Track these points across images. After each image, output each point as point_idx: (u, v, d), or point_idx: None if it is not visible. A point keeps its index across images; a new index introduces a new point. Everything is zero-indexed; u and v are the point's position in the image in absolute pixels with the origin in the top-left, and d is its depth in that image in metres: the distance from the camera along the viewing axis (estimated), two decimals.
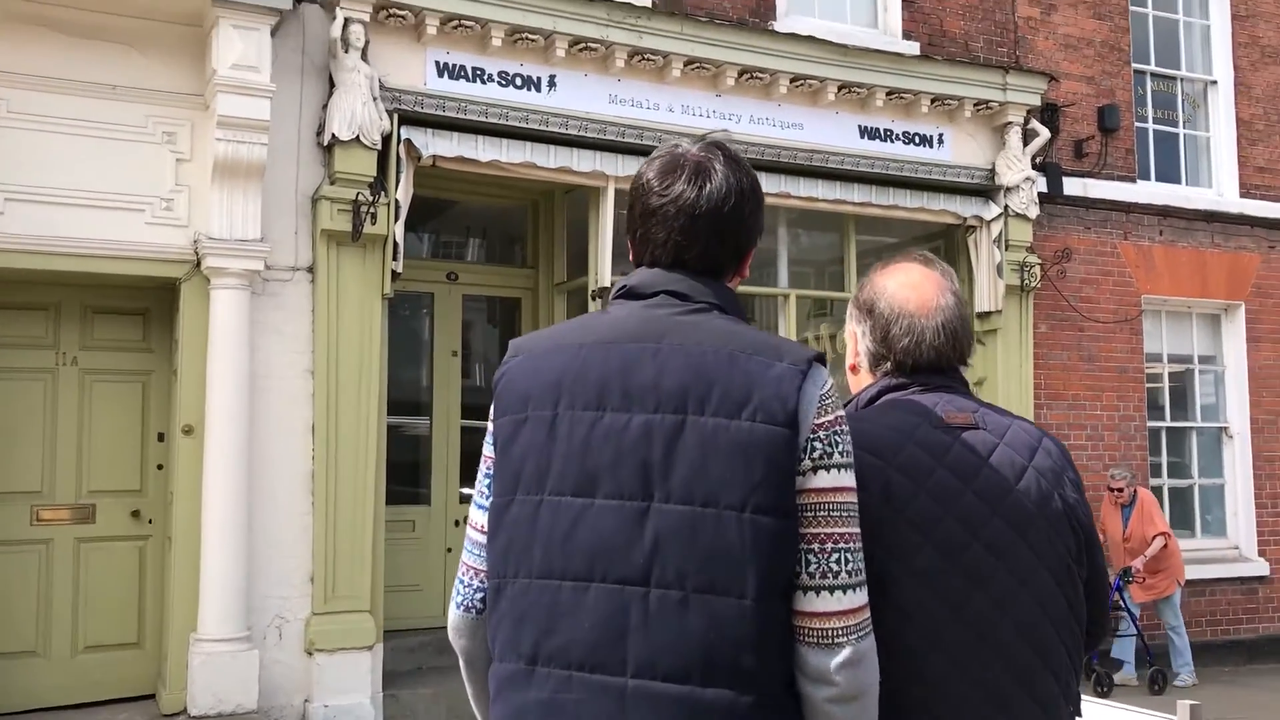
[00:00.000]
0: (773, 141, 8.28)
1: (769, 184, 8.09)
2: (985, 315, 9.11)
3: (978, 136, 9.21)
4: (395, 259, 7.02)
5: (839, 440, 1.62)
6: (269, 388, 6.73)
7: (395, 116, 7.06)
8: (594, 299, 7.83)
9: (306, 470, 6.81)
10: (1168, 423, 10.47)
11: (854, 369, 2.03)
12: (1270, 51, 10.99)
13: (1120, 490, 9.13)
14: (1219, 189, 10.70)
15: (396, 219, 6.99)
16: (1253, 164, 10.78)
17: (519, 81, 7.54)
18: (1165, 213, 10.21)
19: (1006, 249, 9.09)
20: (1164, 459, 10.40)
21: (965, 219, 9.07)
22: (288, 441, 6.75)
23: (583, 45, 7.57)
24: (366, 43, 6.99)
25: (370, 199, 6.85)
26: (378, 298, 7.02)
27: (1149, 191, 10.18)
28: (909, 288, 1.95)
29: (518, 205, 8.84)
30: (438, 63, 7.33)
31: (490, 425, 1.80)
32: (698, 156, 1.79)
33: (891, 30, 9.16)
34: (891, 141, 8.81)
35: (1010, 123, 9.12)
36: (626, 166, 7.71)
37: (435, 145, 7.15)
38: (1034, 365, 9.36)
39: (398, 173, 7.01)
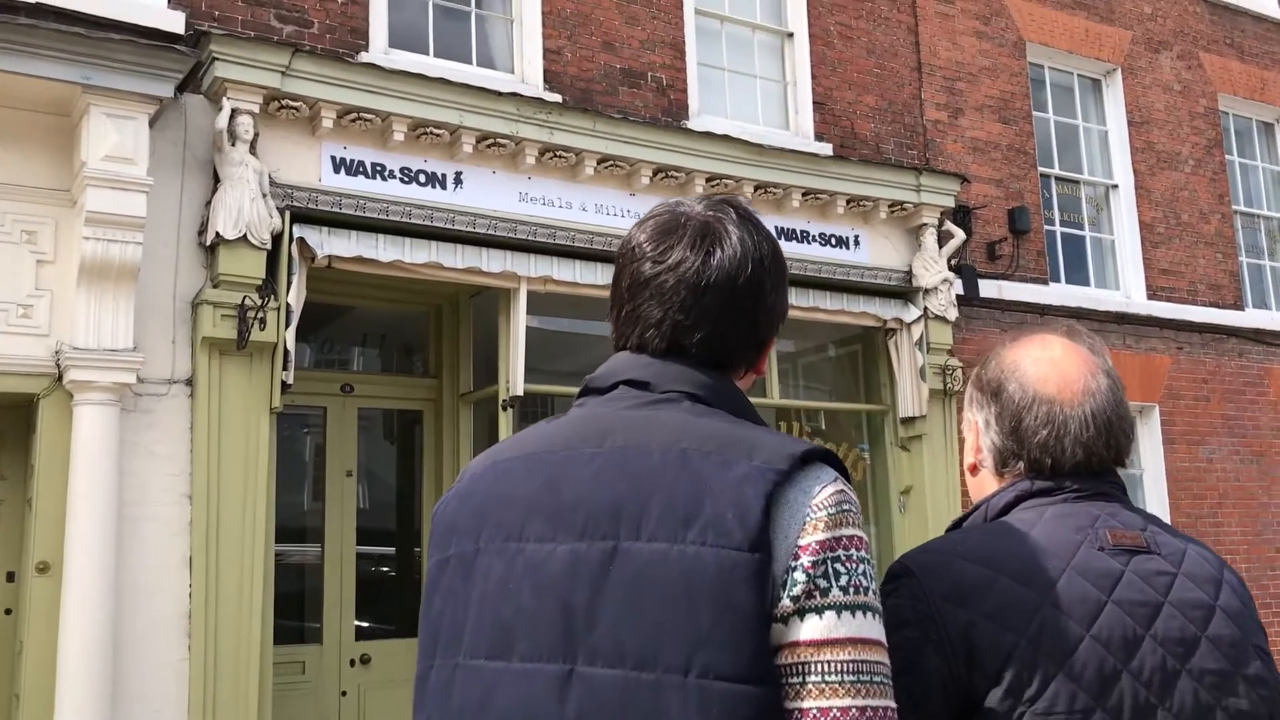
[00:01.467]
0: None
1: None
2: (909, 421, 8.78)
3: (892, 238, 9.00)
4: (286, 368, 6.36)
5: (844, 569, 1.14)
6: (140, 517, 5.93)
7: (287, 214, 6.47)
8: (504, 409, 7.25)
9: (183, 610, 5.99)
10: None
11: (973, 469, 1.56)
12: (1166, 157, 11.17)
13: None
14: (1126, 291, 10.70)
15: (288, 324, 6.35)
16: (1157, 266, 10.84)
17: (422, 178, 7.04)
18: (1078, 315, 10.12)
19: (928, 352, 8.83)
20: None
21: (885, 321, 8.79)
22: (161, 578, 5.94)
23: (491, 141, 7.13)
24: (256, 135, 6.42)
25: (258, 303, 6.20)
26: (265, 412, 6.33)
27: (1061, 293, 10.11)
28: (1048, 365, 1.50)
29: (419, 311, 8.25)
30: (334, 158, 6.79)
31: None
32: (704, 216, 1.38)
33: (804, 132, 8.97)
34: (809, 243, 8.54)
35: (925, 224, 8.94)
36: (539, 267, 7.23)
37: (331, 245, 6.56)
38: (960, 473, 9.03)
39: (289, 274, 6.40)
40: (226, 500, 6.10)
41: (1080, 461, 1.41)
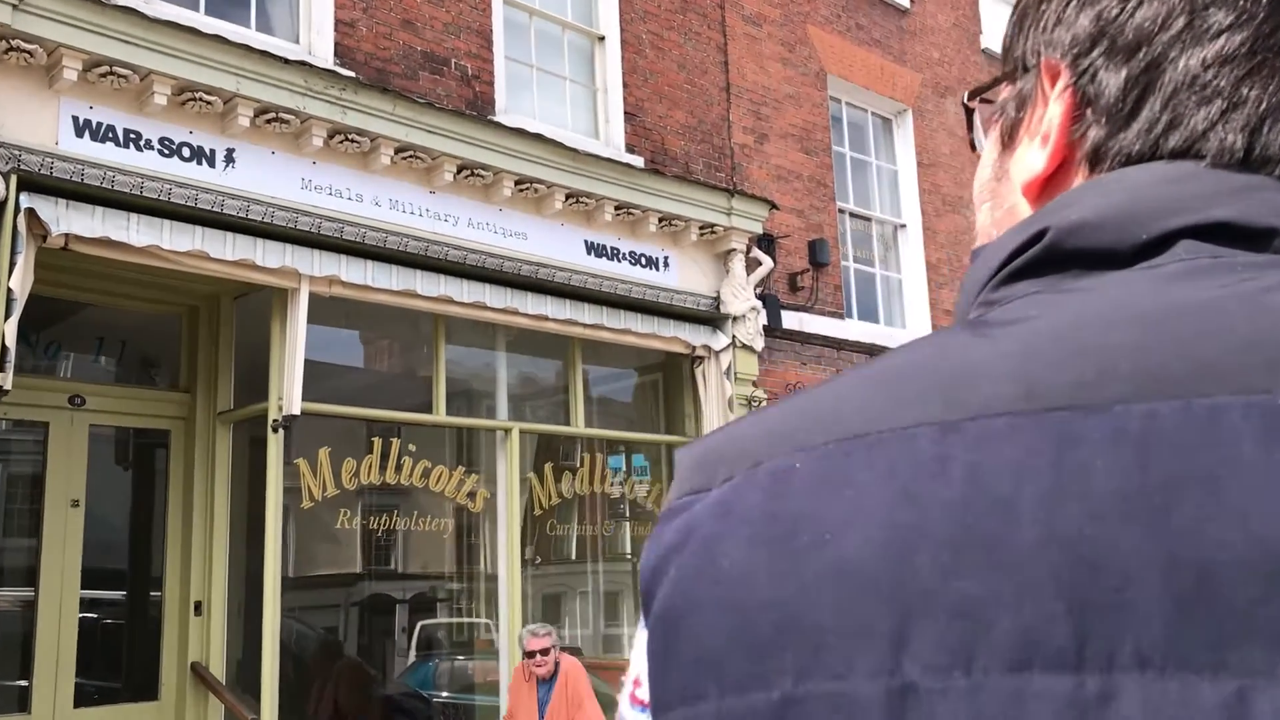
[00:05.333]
0: (495, 250, 7.10)
1: (493, 297, 6.92)
2: None
3: (701, 262, 8.52)
4: (3, 370, 5.09)
5: None
6: None
7: (14, 180, 5.22)
8: (275, 430, 6.18)
9: None
10: None
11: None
12: (950, 200, 11.31)
13: (540, 655, 6.17)
14: (913, 329, 10.69)
15: (8, 315, 5.09)
16: (942, 306, 10.90)
17: (186, 152, 5.92)
18: (872, 351, 9.97)
19: (735, 382, 8.36)
20: None
21: (695, 348, 8.27)
22: None
23: (272, 115, 6.09)
24: None
25: None
26: None
27: (858, 329, 9.94)
28: None
29: (168, 312, 7.01)
30: (76, 118, 5.58)
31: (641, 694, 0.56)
32: None
33: (615, 143, 8.36)
34: (619, 260, 7.91)
35: (734, 249, 8.51)
36: (325, 265, 6.24)
37: (70, 221, 5.35)
38: None
39: (13, 253, 5.15)
40: None
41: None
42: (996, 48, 12.26)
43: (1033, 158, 0.65)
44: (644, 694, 0.57)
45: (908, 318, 10.74)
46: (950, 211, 11.26)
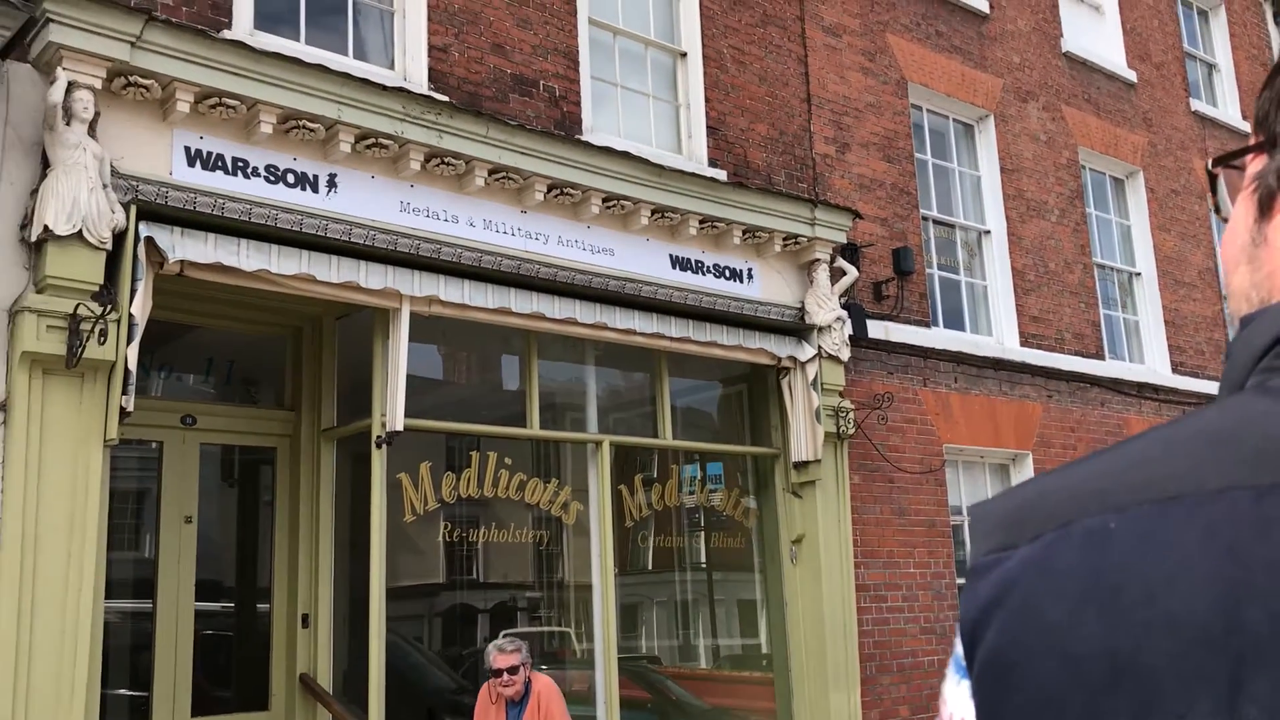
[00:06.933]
0: (584, 266, 7.23)
1: (583, 313, 7.03)
2: (803, 465, 8.29)
3: (784, 273, 8.56)
4: (126, 392, 5.32)
5: None
6: None
7: (133, 210, 5.46)
8: (379, 446, 6.36)
9: None
10: (962, 580, 9.97)
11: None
12: (1034, 205, 11.20)
13: (507, 674, 5.53)
14: (999, 337, 10.60)
15: (130, 340, 5.32)
16: (1028, 313, 10.79)
17: (291, 178, 6.13)
18: (958, 359, 9.93)
19: (821, 393, 8.38)
20: None
21: (780, 359, 8.30)
22: None
23: (372, 141, 6.28)
24: (96, 115, 5.41)
25: (95, 312, 5.16)
26: (98, 444, 5.26)
27: (944, 337, 9.89)
28: None
29: (274, 333, 7.25)
30: (188, 149, 5.82)
31: None
32: None
33: (697, 157, 8.45)
34: (703, 274, 7.99)
35: (818, 259, 8.54)
36: (424, 285, 6.41)
37: (185, 248, 5.58)
38: (853, 519, 8.60)
39: (134, 280, 5.38)
40: (46, 552, 5.00)
41: None
42: (1079, 52, 12.14)
43: None
44: None
45: (995, 325, 10.65)
46: (1035, 216, 11.14)
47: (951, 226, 10.69)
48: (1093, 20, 12.92)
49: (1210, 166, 0.81)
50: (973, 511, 0.67)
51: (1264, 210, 0.74)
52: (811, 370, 8.34)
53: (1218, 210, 0.81)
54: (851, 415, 8.56)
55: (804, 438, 8.26)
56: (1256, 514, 0.56)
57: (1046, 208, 11.31)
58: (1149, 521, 0.58)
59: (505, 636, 5.51)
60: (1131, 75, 12.77)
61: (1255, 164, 0.74)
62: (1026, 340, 10.65)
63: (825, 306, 8.52)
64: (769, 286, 8.40)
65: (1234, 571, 0.55)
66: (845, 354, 8.60)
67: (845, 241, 8.78)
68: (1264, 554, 0.55)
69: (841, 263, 8.79)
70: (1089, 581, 0.58)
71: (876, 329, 9.27)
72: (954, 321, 10.34)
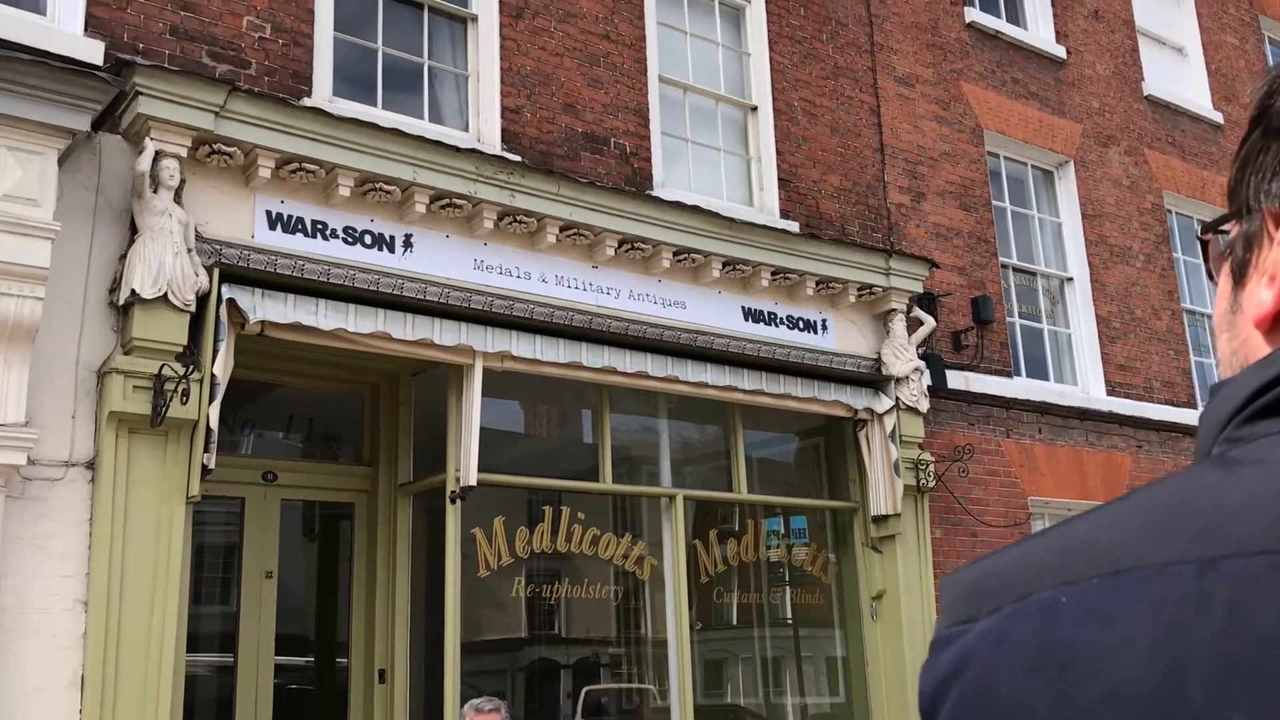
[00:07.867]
0: (655, 320, 7.26)
1: (654, 367, 7.04)
2: (882, 519, 8.16)
3: (860, 324, 8.49)
4: (208, 450, 5.46)
5: None
6: (20, 627, 4.92)
7: (215, 273, 5.64)
8: (453, 501, 6.42)
9: None
10: None
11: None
12: (1118, 251, 10.98)
13: None
14: (1085, 386, 10.36)
15: (211, 399, 5.47)
16: (1114, 361, 10.54)
17: (368, 239, 6.28)
18: (1042, 410, 9.72)
19: (900, 445, 8.26)
20: None
21: (857, 411, 8.21)
22: (43, 703, 4.91)
23: (446, 201, 6.42)
24: (182, 182, 5.61)
25: (179, 373, 5.33)
26: (181, 501, 5.40)
27: (1026, 387, 9.70)
28: None
29: (351, 390, 7.40)
30: (269, 213, 6.00)
31: None
32: None
33: (769, 209, 8.46)
34: (776, 325, 7.96)
35: (894, 309, 8.46)
36: (497, 341, 6.49)
37: (266, 309, 5.74)
38: (935, 576, 8.42)
39: (215, 341, 5.54)
40: (131, 606, 5.13)
41: None
42: (1161, 94, 11.93)
43: (1262, 295, 0.69)
44: None
45: (1079, 374, 10.42)
46: (1119, 262, 10.92)
47: (1032, 274, 10.52)
48: (1176, 63, 12.71)
49: (1199, 234, 0.81)
50: (942, 582, 0.67)
51: (1237, 278, 0.73)
52: (889, 422, 8.23)
53: (1210, 276, 0.80)
54: (931, 468, 8.41)
55: (883, 491, 8.14)
56: (1198, 588, 0.54)
57: (1131, 253, 11.08)
58: (1098, 595, 0.57)
59: (484, 696, 5.14)
60: (1218, 117, 12.50)
61: (1233, 232, 0.74)
62: (1113, 389, 10.39)
63: (902, 357, 8.42)
64: (844, 337, 8.34)
65: (1176, 648, 0.54)
66: (924, 405, 8.47)
67: (922, 291, 8.69)
68: (1203, 630, 0.53)
69: (919, 312, 8.69)
70: (1039, 655, 0.58)
71: (956, 379, 9.12)
72: (1037, 371, 10.13)
